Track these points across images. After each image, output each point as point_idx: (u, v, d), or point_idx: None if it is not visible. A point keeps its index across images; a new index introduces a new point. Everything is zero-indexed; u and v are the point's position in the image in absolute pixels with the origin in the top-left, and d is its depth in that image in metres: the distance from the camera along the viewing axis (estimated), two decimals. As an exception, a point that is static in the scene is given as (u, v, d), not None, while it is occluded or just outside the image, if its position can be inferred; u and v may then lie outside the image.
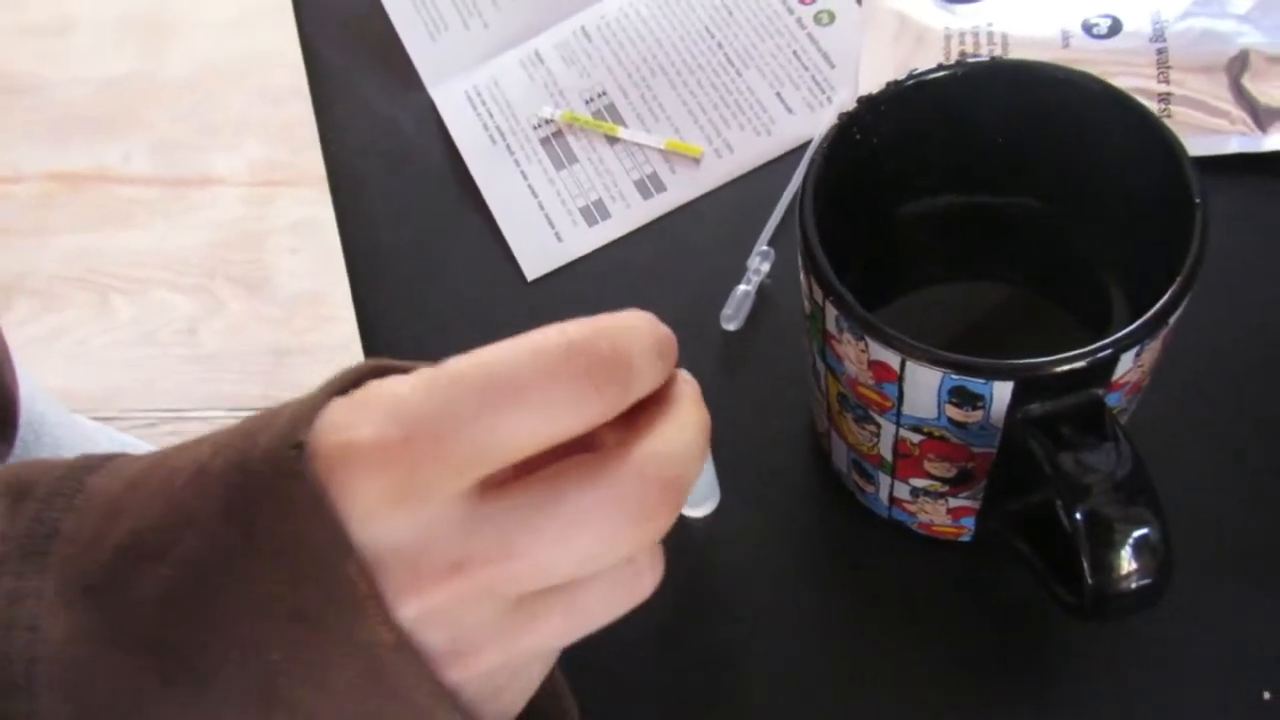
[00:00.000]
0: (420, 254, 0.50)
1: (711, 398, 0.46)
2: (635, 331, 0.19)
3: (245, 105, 1.59)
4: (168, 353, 1.52)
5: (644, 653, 0.40)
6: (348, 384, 0.18)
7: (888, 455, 0.36)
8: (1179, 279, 0.29)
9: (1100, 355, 0.29)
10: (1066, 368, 0.29)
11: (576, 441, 0.18)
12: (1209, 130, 0.44)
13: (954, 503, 0.37)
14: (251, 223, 1.52)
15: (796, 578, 0.40)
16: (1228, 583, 0.38)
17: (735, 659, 0.39)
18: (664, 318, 0.48)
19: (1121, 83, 0.33)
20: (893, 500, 0.39)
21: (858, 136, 0.34)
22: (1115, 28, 0.47)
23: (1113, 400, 0.31)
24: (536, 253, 0.49)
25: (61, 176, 1.59)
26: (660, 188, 0.50)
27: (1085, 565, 0.29)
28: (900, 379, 0.31)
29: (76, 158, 1.59)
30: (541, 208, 0.50)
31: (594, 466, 0.18)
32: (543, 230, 0.49)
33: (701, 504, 0.42)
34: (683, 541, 0.42)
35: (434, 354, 0.19)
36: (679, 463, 0.18)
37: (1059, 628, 0.38)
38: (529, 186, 0.50)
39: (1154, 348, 0.30)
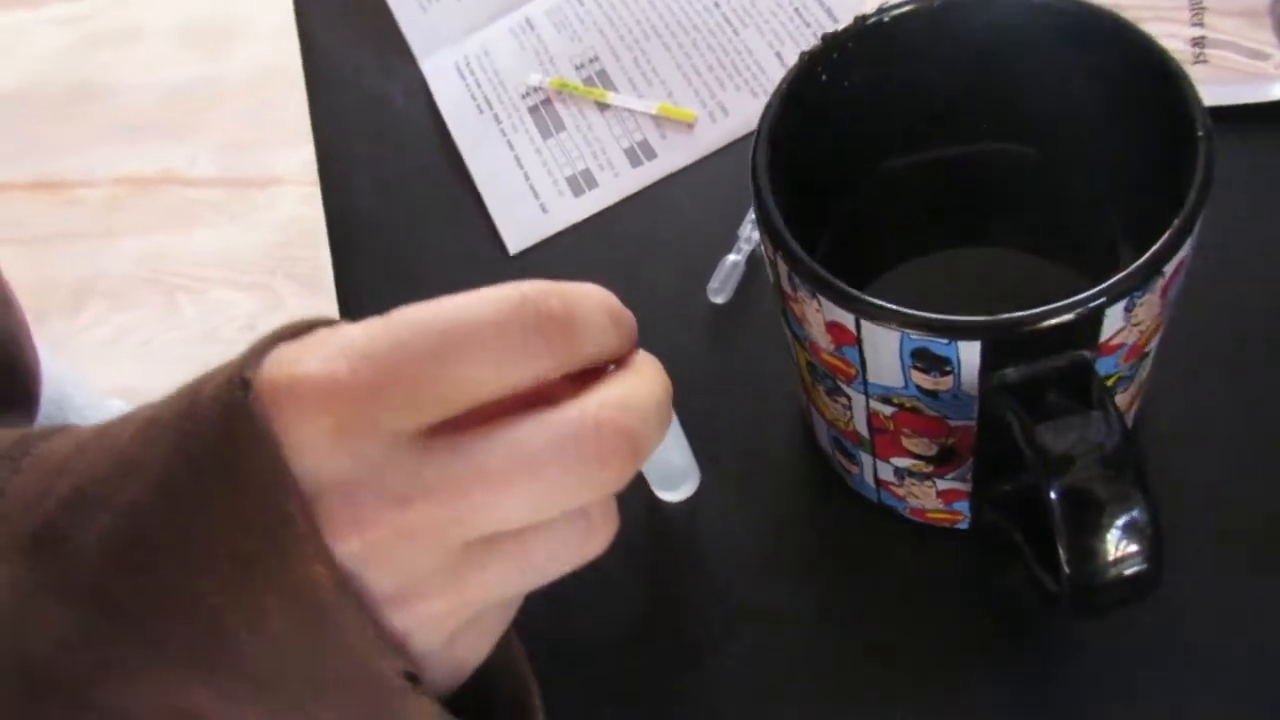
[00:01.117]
0: (404, 228, 0.48)
1: (696, 374, 0.44)
2: (587, 296, 0.19)
3: (305, 106, 1.61)
4: (229, 350, 1.54)
5: (617, 643, 0.37)
6: (300, 331, 0.18)
7: (864, 431, 0.32)
8: (1177, 220, 0.25)
9: (1079, 309, 0.25)
10: (1041, 325, 0.25)
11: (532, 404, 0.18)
12: (1248, 75, 0.40)
13: (942, 485, 0.33)
14: (311, 222, 1.53)
15: (781, 567, 0.37)
16: (1240, 571, 0.33)
17: (715, 652, 0.36)
18: (650, 290, 0.45)
19: (1151, 28, 0.29)
20: (879, 483, 0.35)
21: (823, 77, 0.31)
22: (1146, -33, 0.42)
23: (1105, 367, 0.27)
24: (520, 225, 0.46)
25: (130, 180, 1.63)
26: (650, 155, 0.47)
27: (1062, 550, 0.25)
28: (859, 341, 0.27)
29: (145, 161, 1.63)
30: (527, 178, 0.47)
31: (548, 411, 0.17)
32: (528, 201, 0.47)
33: (679, 485, 0.39)
34: (659, 526, 0.39)
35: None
36: (635, 413, 0.18)
37: (1066, 628, 0.34)
38: (515, 156, 0.48)
39: (1150, 302, 0.26)
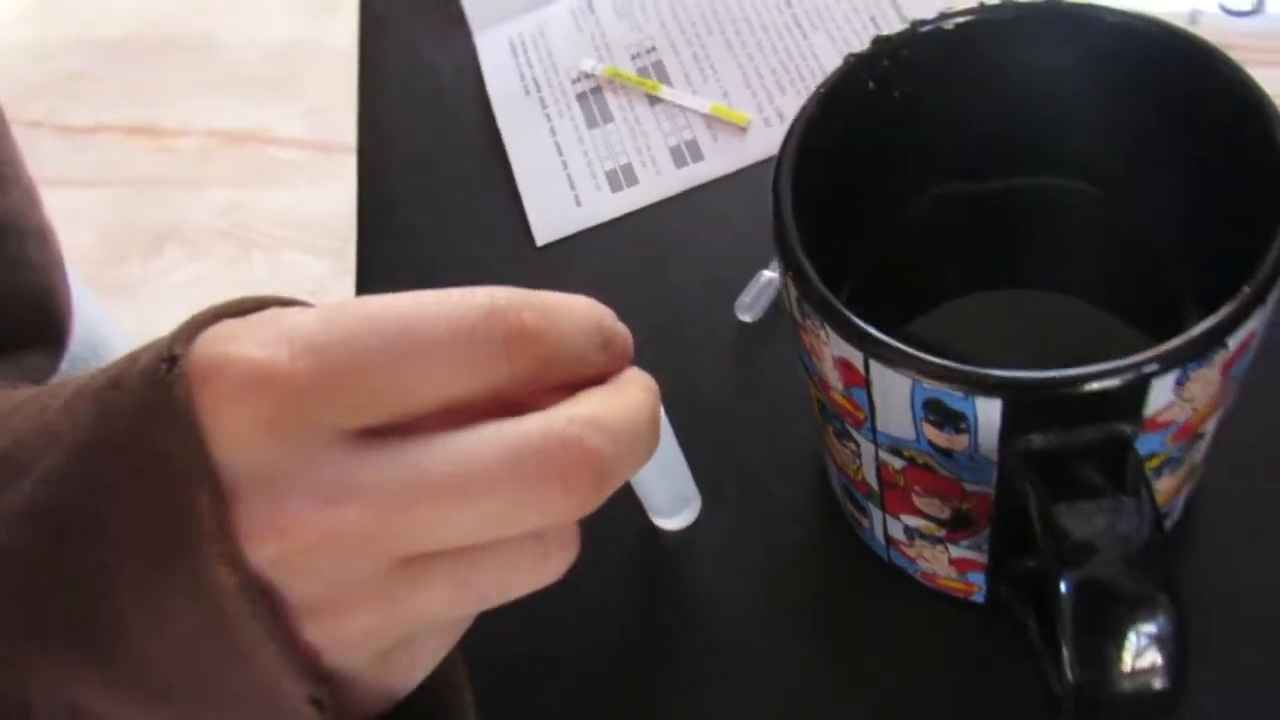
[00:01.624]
0: (432, 204, 0.46)
1: (711, 394, 0.41)
2: (570, 312, 0.17)
3: (398, 77, 1.61)
4: (296, 312, 1.56)
5: (597, 671, 0.34)
6: (248, 308, 0.17)
7: (873, 482, 0.29)
8: (1249, 286, 0.22)
9: (1122, 376, 0.21)
10: (1074, 389, 0.22)
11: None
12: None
13: (956, 551, 0.30)
14: (390, 192, 1.54)
15: (776, 615, 0.34)
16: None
17: (696, 692, 0.33)
18: (675, 298, 0.42)
19: (1260, 74, 0.25)
20: (889, 540, 0.32)
21: (870, 85, 0.28)
22: (1260, 5, 0.38)
23: (1148, 445, 0.24)
24: (551, 216, 0.44)
25: (222, 133, 1.65)
26: (697, 156, 0.44)
27: (1067, 650, 0.22)
28: (868, 383, 0.24)
29: (238, 117, 1.65)
30: (565, 167, 0.45)
31: (509, 421, 0.16)
32: (563, 192, 0.44)
33: (676, 513, 0.36)
34: (653, 557, 0.36)
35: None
36: (608, 434, 0.16)
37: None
38: (556, 144, 0.45)
39: (1208, 377, 0.23)
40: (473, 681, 0.33)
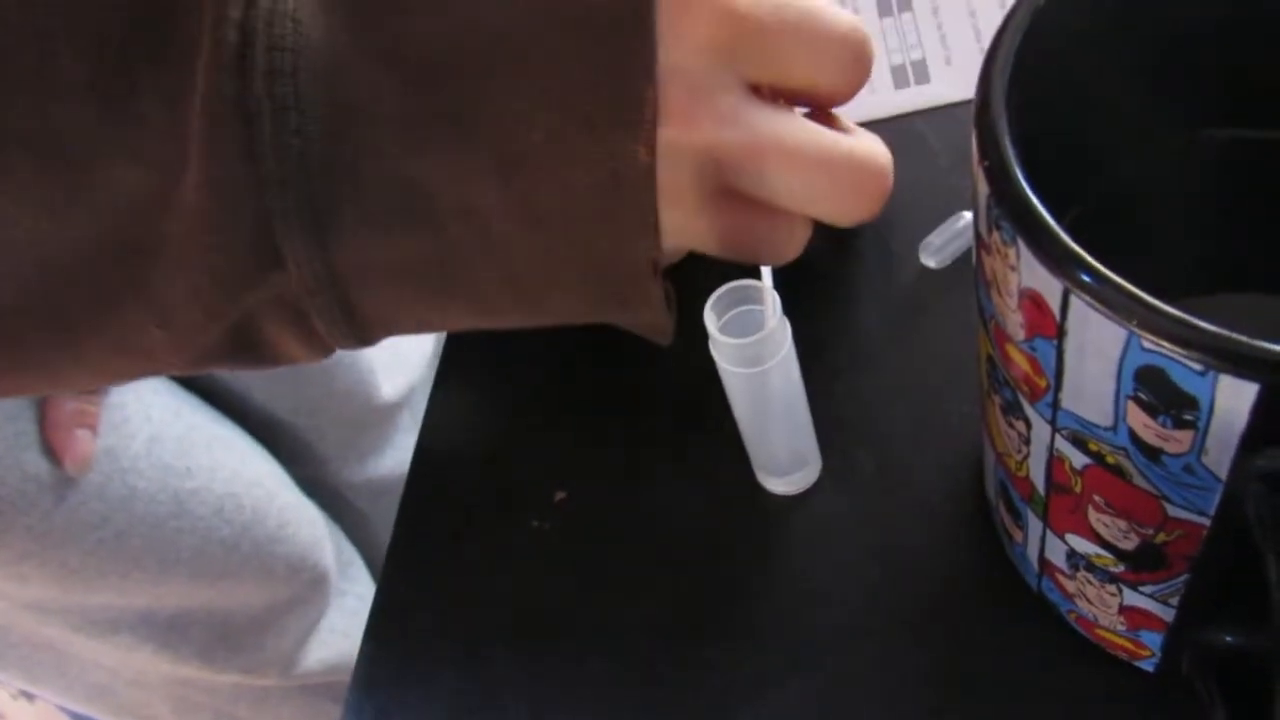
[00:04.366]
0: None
1: (868, 345, 0.34)
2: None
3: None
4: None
5: (671, 645, 0.29)
6: None
7: (1039, 482, 0.22)
8: None
9: None
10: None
11: None
12: None
13: (1132, 598, 0.22)
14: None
15: (881, 620, 0.28)
16: None
17: (775, 682, 0.27)
18: (859, 235, 0.36)
19: None
20: (1043, 565, 0.25)
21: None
22: None
23: None
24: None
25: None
26: (923, 78, 0.37)
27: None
28: (1062, 330, 0.18)
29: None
30: (764, 66, 0.39)
31: (854, 134, 0.19)
32: (754, 92, 0.38)
33: (788, 474, 0.30)
34: (754, 520, 0.30)
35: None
36: (890, 174, 0.19)
37: None
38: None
39: None
40: (551, 633, 0.29)
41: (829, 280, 0.34)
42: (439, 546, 0.32)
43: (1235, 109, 0.23)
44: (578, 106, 0.17)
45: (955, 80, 0.37)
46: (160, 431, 0.40)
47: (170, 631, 0.44)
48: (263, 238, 0.17)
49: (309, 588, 0.48)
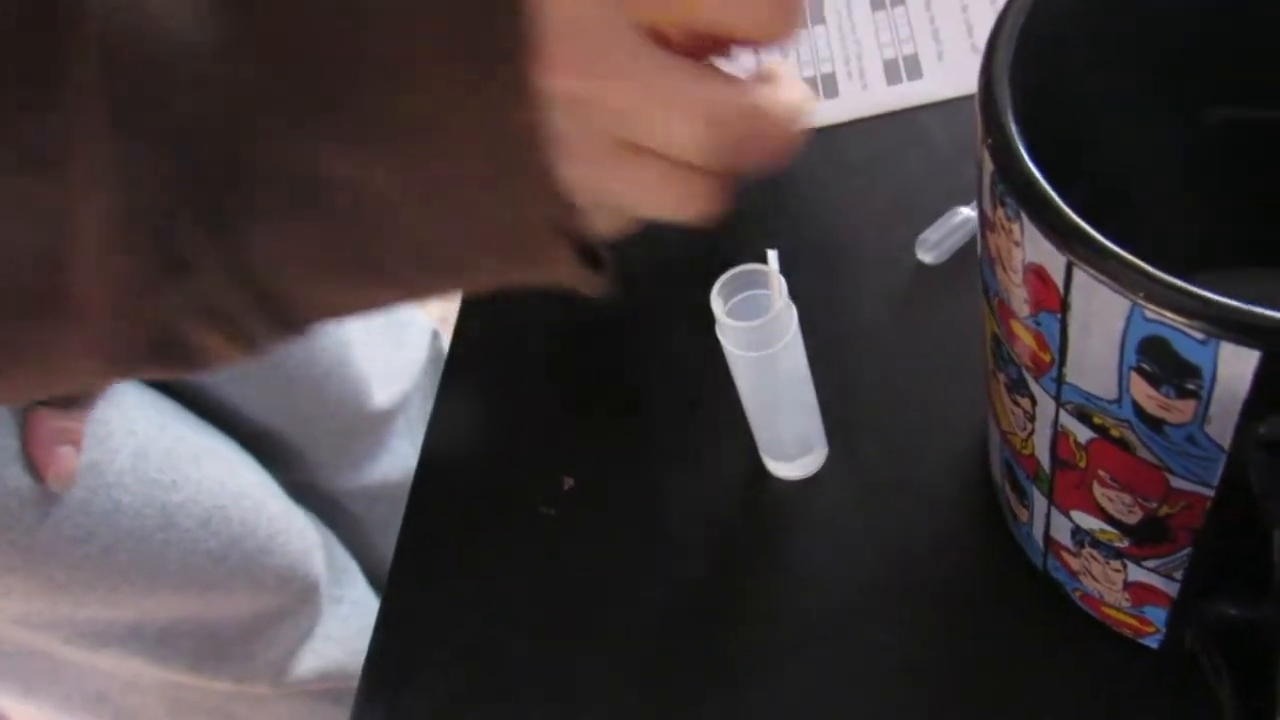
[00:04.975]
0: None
1: (869, 336, 0.34)
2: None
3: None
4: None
5: (677, 629, 0.29)
6: None
7: (1044, 459, 0.22)
8: None
9: None
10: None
11: None
12: None
13: (1137, 573, 0.23)
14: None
15: (887, 606, 0.28)
16: None
17: (770, 666, 0.28)
18: (854, 232, 0.36)
19: None
20: (1049, 543, 0.25)
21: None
22: None
23: None
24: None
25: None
26: (915, 74, 0.38)
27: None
28: (1064, 304, 0.18)
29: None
30: (760, 65, 0.39)
31: (755, 85, 0.18)
32: (750, 90, 0.39)
33: (794, 459, 0.30)
34: (759, 506, 0.31)
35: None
36: (792, 127, 0.18)
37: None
38: (755, 37, 0.40)
39: None
40: (559, 615, 0.29)
41: (829, 274, 0.34)
42: (447, 536, 0.32)
43: (1236, 88, 0.23)
44: (457, 75, 0.17)
45: (948, 76, 0.37)
46: (145, 445, 0.40)
47: (159, 644, 0.44)
48: (165, 245, 0.17)
49: (299, 598, 0.47)
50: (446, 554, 0.32)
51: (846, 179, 0.36)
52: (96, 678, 0.47)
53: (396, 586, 0.32)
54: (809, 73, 0.39)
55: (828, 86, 0.38)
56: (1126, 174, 0.23)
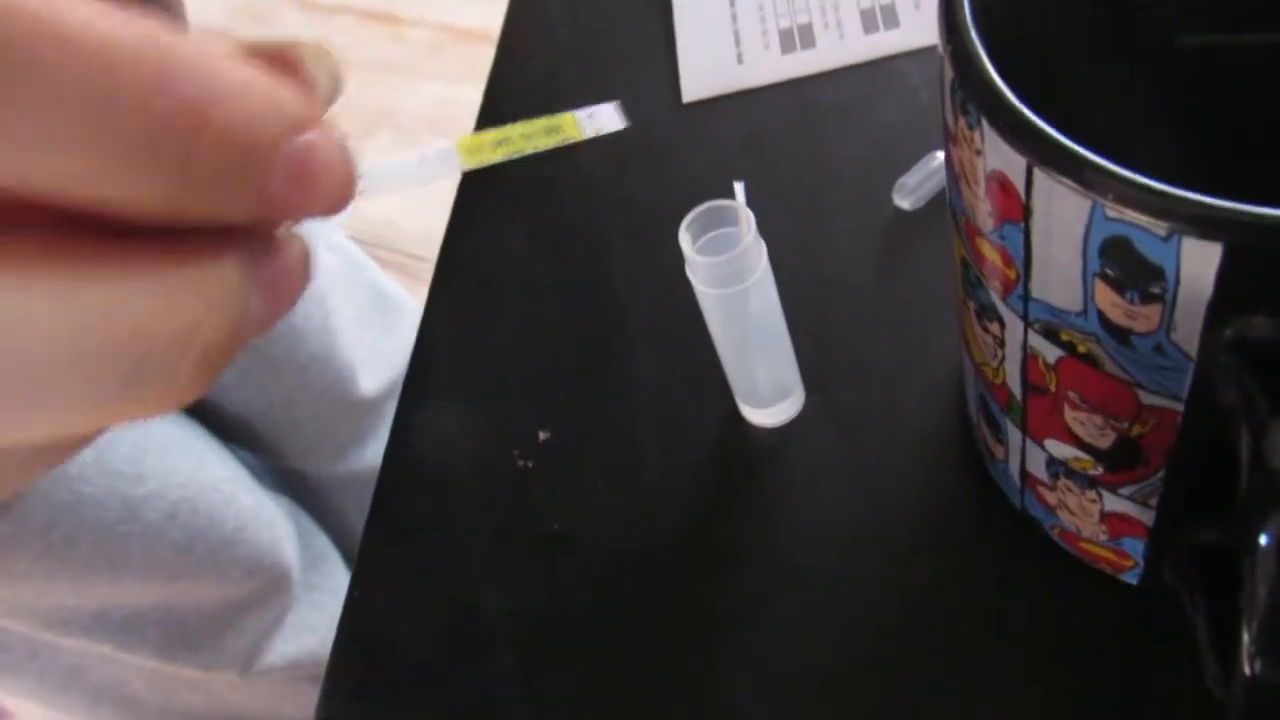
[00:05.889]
0: (578, 41, 0.41)
1: (845, 282, 0.33)
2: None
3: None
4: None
5: (653, 581, 0.29)
6: None
7: (1016, 387, 0.22)
8: None
9: None
10: (1344, 241, 0.14)
11: None
12: None
13: (1113, 503, 0.22)
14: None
15: (867, 551, 0.28)
16: None
17: (749, 619, 0.27)
18: (828, 172, 0.36)
19: None
20: (1025, 478, 0.25)
21: None
22: None
23: None
24: (706, 72, 0.38)
25: (453, 29, 1.67)
26: (892, 23, 0.37)
27: (1249, 628, 0.14)
28: (1027, 211, 0.18)
29: (472, 14, 1.67)
30: (734, 20, 0.39)
31: None
32: (725, 47, 0.38)
33: (773, 405, 0.30)
34: (735, 454, 0.30)
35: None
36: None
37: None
38: (730, -11, 0.39)
39: None
40: (535, 566, 0.29)
41: (806, 221, 0.34)
42: (424, 491, 0.32)
43: (1212, 13, 0.23)
44: None
45: (925, 24, 0.37)
46: (112, 436, 0.40)
47: (125, 631, 0.43)
48: None
49: (268, 588, 0.47)
50: (421, 509, 0.32)
51: (822, 127, 0.36)
52: (72, 654, 0.46)
53: (370, 544, 0.31)
54: (786, 24, 0.38)
55: (804, 37, 0.38)
56: (1097, 111, 0.22)
